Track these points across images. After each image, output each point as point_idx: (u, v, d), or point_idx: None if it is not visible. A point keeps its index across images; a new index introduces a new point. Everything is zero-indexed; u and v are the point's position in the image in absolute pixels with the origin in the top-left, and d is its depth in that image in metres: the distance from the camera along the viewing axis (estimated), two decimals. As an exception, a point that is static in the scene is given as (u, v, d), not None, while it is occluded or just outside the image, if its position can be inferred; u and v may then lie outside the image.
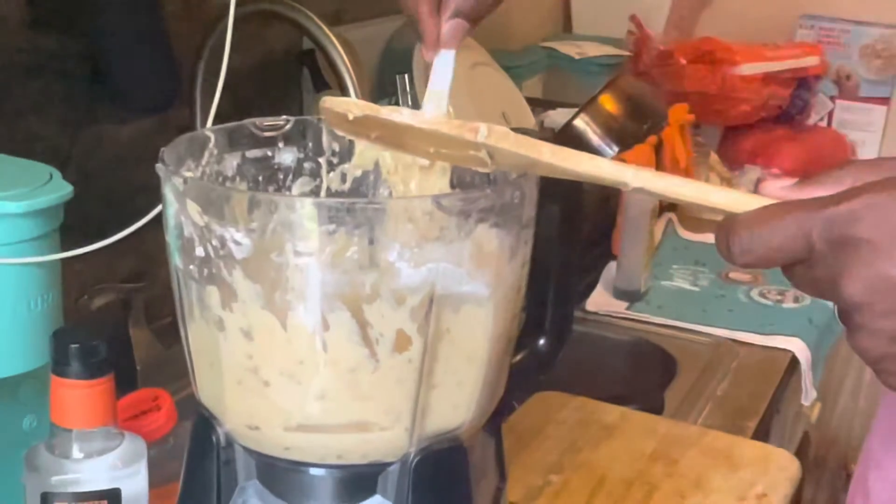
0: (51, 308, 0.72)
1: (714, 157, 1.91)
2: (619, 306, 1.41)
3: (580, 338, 1.27)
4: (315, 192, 0.67)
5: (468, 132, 0.52)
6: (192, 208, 0.52)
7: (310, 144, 0.66)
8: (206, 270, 0.54)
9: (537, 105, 1.78)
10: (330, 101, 0.57)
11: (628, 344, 1.34)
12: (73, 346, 0.63)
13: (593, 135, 1.54)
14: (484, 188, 0.59)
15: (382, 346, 0.53)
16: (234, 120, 0.64)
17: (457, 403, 0.57)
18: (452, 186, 0.63)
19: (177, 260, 0.55)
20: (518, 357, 0.61)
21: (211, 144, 0.61)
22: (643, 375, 1.28)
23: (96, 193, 1.05)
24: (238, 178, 0.64)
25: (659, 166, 1.55)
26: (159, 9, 1.06)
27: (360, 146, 0.67)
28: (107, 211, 0.95)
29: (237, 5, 1.13)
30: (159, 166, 0.54)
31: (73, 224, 0.72)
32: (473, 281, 0.54)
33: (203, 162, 0.61)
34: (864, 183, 0.45)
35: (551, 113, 1.71)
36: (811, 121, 2.15)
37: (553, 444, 0.97)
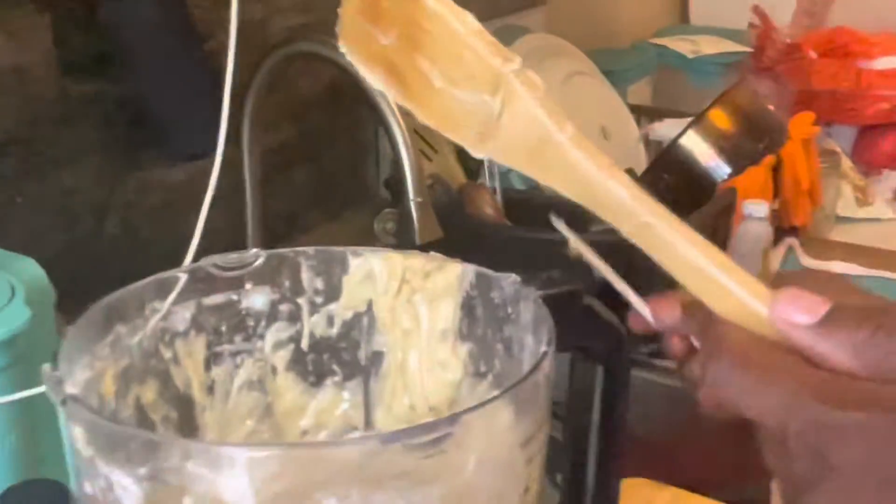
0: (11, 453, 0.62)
1: (846, 163, 1.71)
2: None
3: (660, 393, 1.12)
4: (295, 339, 0.55)
5: (500, 56, 0.44)
6: (78, 434, 0.40)
7: (286, 283, 0.54)
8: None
9: (643, 114, 1.62)
10: None
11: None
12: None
13: (701, 155, 1.37)
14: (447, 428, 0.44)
15: None
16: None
17: None
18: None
19: (73, 484, 0.44)
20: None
21: (150, 302, 0.49)
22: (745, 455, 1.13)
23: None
24: (193, 333, 0.52)
25: (777, 191, 1.37)
26: (202, 47, 0.97)
27: (349, 285, 0.55)
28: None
29: (282, 46, 1.05)
30: (45, 369, 0.42)
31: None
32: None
33: (140, 324, 0.49)
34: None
35: (657, 125, 1.55)
36: (960, 119, 1.92)
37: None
